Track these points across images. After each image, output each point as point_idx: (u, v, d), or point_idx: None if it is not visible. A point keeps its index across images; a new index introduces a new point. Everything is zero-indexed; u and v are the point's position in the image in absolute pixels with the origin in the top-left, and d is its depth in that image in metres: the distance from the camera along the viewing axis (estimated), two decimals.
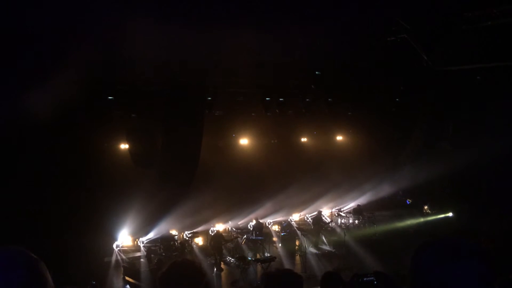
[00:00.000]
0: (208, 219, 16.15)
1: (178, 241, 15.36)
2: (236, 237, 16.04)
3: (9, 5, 7.91)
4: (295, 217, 18.53)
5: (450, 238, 1.60)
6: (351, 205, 19.66)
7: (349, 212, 19.47)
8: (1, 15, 7.94)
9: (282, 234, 16.87)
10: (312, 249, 16.00)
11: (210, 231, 16.21)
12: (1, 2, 7.88)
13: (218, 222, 16.49)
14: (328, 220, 18.39)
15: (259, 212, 16.87)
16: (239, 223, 17.07)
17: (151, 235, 15.11)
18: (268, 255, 14.40)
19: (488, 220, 14.78)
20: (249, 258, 13.92)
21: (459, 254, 1.50)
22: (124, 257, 14.51)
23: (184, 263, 2.76)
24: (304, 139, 18.08)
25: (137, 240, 15.14)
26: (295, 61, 12.76)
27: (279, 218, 17.99)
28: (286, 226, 17.36)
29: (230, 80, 13.46)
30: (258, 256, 14.74)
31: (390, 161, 18.10)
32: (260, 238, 15.51)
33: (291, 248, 15.98)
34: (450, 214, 18.54)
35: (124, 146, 13.70)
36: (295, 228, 17.15)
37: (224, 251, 15.01)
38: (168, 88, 12.34)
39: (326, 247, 16.36)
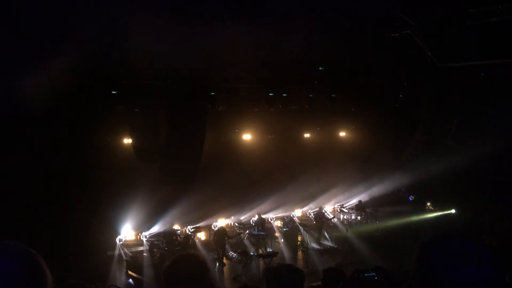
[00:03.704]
0: (210, 214, 16.20)
1: (181, 236, 15.42)
2: (239, 233, 16.09)
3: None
4: (298, 212, 18.55)
5: (461, 237, 1.52)
6: (354, 201, 19.68)
7: (351, 208, 19.49)
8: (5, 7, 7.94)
9: (284, 229, 16.91)
10: (314, 245, 16.04)
11: (212, 226, 16.25)
12: None
13: (220, 217, 16.54)
14: (330, 215, 18.40)
15: (262, 207, 16.90)
16: (241, 218, 17.11)
17: (154, 229, 15.20)
18: (270, 250, 14.42)
19: (491, 217, 14.76)
20: (251, 253, 13.95)
21: (470, 256, 1.45)
22: (127, 251, 14.58)
23: (189, 257, 2.78)
24: (307, 135, 18.05)
25: (140, 234, 15.21)
26: (298, 57, 12.71)
27: (282, 213, 18.03)
28: (288, 222, 17.39)
29: (233, 75, 13.44)
30: (260, 251, 14.80)
31: (393, 158, 18.07)
32: (262, 233, 15.54)
33: (293, 244, 16.03)
34: (453, 211, 18.52)
35: (127, 140, 13.73)
36: (297, 224, 17.17)
37: (226, 246, 15.07)
38: (171, 83, 12.34)
39: (328, 243, 16.39)
